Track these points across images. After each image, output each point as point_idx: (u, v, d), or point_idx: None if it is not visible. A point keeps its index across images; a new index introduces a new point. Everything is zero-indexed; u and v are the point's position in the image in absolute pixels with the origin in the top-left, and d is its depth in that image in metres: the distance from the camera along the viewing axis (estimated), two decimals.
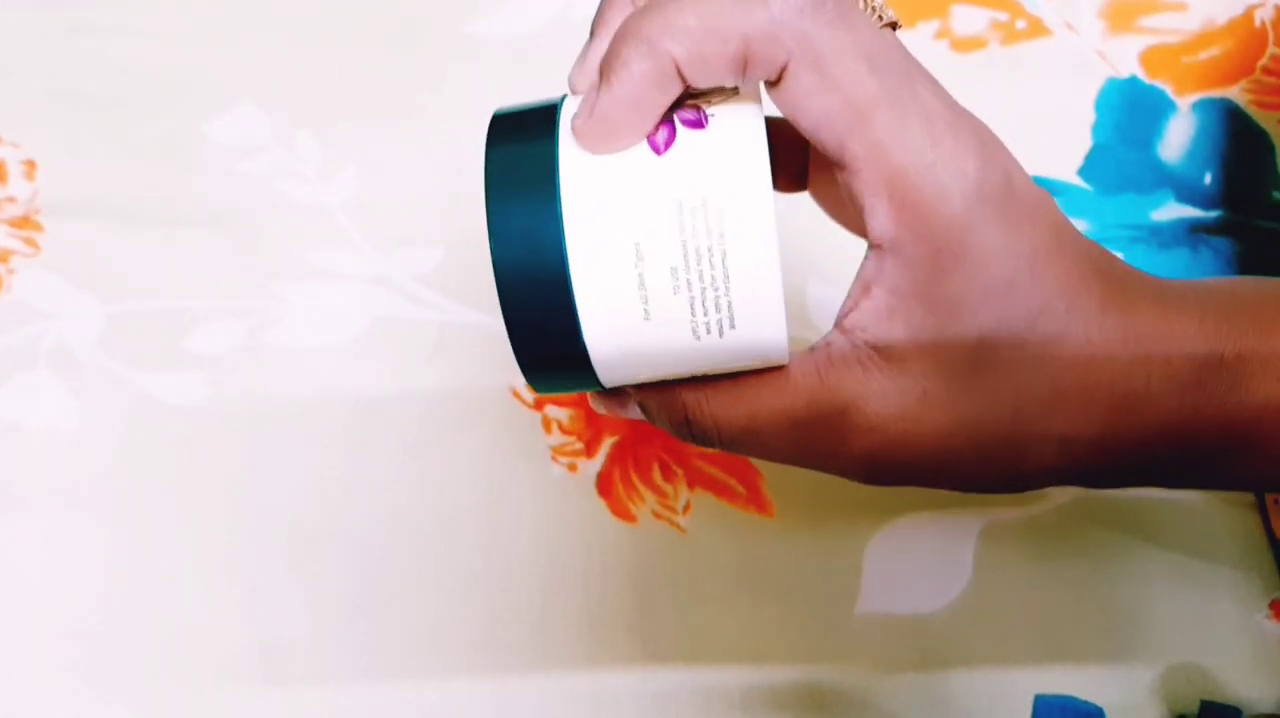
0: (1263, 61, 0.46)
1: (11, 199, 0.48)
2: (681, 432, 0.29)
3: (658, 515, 0.43)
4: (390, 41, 0.51)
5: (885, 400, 0.26)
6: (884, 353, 0.26)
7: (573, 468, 0.44)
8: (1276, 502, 0.42)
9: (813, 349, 0.27)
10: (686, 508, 0.43)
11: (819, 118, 0.25)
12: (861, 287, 0.26)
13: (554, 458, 0.45)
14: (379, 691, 0.41)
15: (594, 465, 0.44)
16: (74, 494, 0.44)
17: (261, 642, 0.42)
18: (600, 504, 0.44)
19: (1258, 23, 0.47)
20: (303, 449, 0.45)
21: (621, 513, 0.43)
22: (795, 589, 0.42)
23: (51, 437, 0.45)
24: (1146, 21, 0.47)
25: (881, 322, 0.26)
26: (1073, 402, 0.27)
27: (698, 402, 0.28)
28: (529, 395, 0.45)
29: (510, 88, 0.50)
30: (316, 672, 0.42)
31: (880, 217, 0.25)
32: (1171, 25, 0.47)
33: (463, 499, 0.44)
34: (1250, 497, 0.43)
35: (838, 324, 0.27)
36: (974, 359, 0.26)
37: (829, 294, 0.45)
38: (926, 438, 0.27)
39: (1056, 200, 0.46)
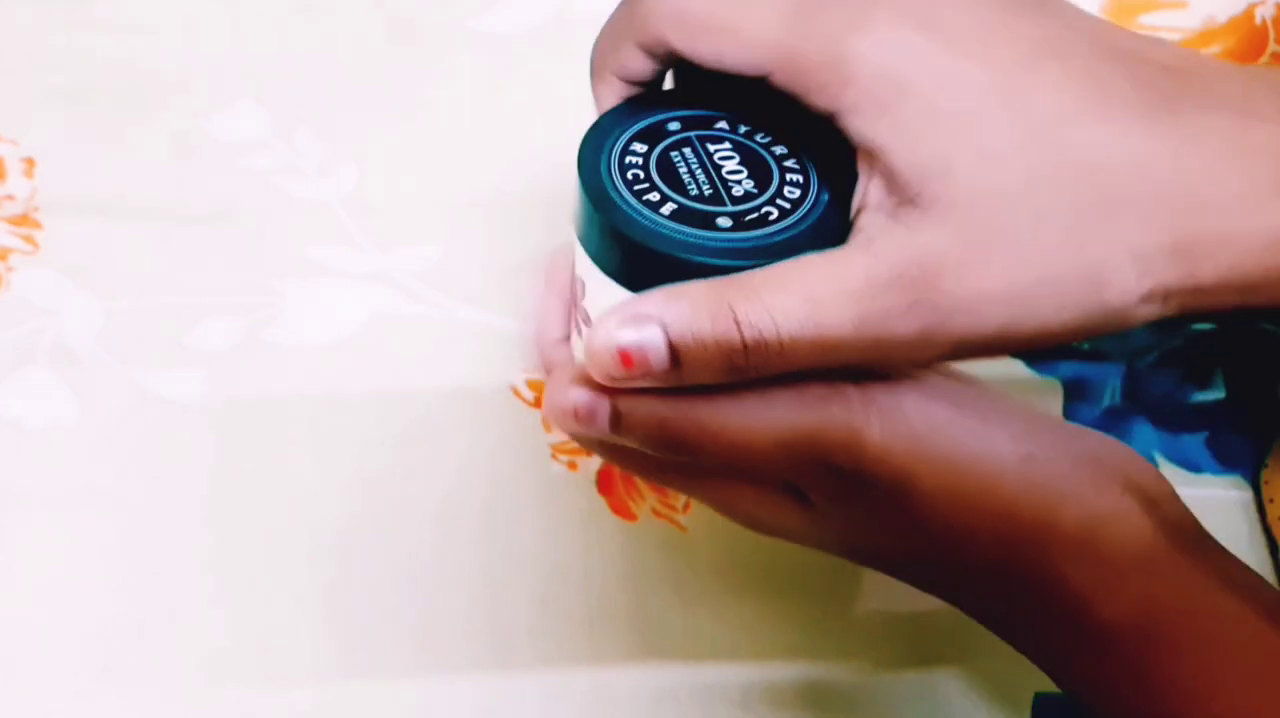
0: (1263, 60, 0.46)
1: (10, 197, 0.48)
2: (729, 350, 0.26)
3: (658, 513, 0.43)
4: (391, 38, 0.51)
5: (938, 248, 0.25)
6: (918, 201, 0.25)
7: (573, 466, 0.44)
8: (1273, 500, 0.42)
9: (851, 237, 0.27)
10: (687, 506, 0.43)
11: None
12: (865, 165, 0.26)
13: (554, 456, 0.45)
14: (377, 689, 0.41)
15: (594, 463, 0.44)
16: (73, 491, 0.44)
17: (259, 639, 0.42)
18: (600, 502, 0.44)
19: (1258, 20, 0.47)
20: (301, 446, 0.45)
21: (621, 511, 0.43)
22: (796, 587, 0.42)
23: (51, 434, 0.45)
24: (1147, 19, 0.47)
25: (906, 180, 0.26)
26: (1131, 207, 0.25)
27: (746, 295, 0.26)
28: (529, 393, 0.45)
29: (511, 84, 0.50)
30: (313, 670, 0.42)
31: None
32: (1172, 23, 0.47)
33: (462, 497, 0.44)
34: (1249, 495, 0.43)
35: (859, 210, 0.27)
36: (1008, 188, 0.25)
37: None
38: (996, 278, 0.25)
39: None
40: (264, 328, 0.47)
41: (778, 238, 0.27)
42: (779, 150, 0.29)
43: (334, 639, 0.42)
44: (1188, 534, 0.29)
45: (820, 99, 0.26)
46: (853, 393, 0.28)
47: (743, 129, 0.30)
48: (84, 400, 0.46)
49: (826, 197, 0.28)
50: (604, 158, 0.29)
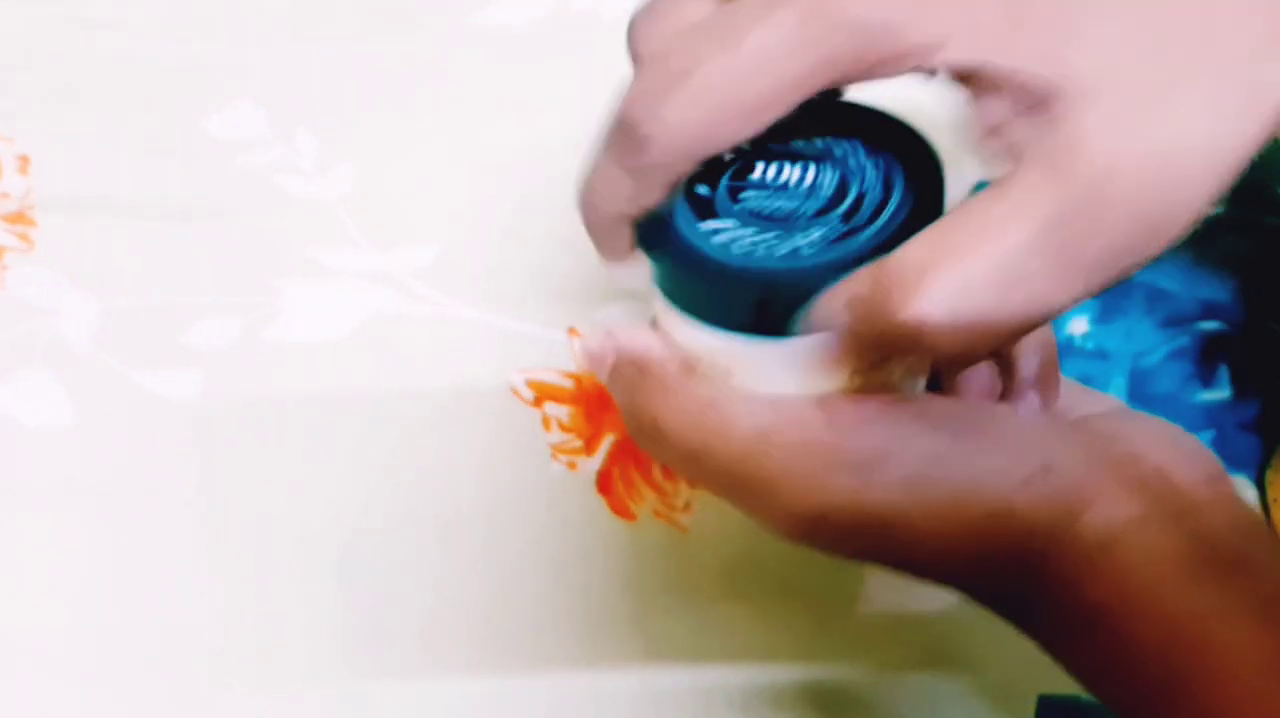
0: None
1: (5, 195, 0.48)
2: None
3: (658, 514, 0.43)
4: (388, 35, 0.51)
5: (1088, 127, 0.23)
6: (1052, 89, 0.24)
7: (572, 466, 0.44)
8: (1277, 501, 0.42)
9: None
10: (687, 507, 0.43)
11: None
12: None
13: (554, 456, 0.44)
14: (376, 690, 0.41)
15: (594, 463, 0.44)
16: (70, 490, 0.44)
17: (257, 640, 0.42)
18: (600, 502, 0.44)
19: None
20: (299, 445, 0.45)
21: (621, 511, 0.43)
22: (797, 588, 0.42)
23: (48, 433, 0.45)
24: None
25: None
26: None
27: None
28: (528, 393, 0.45)
29: (509, 81, 0.50)
30: (312, 671, 0.42)
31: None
32: None
33: (461, 497, 0.44)
34: (1254, 495, 0.43)
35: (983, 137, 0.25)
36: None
37: None
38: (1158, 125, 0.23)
39: None
40: (262, 327, 0.47)
41: (869, 244, 0.26)
42: (847, 155, 0.28)
43: (332, 639, 0.42)
44: (1220, 551, 0.26)
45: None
46: (825, 433, 0.27)
47: (798, 142, 0.28)
48: (81, 400, 0.46)
49: (909, 195, 0.27)
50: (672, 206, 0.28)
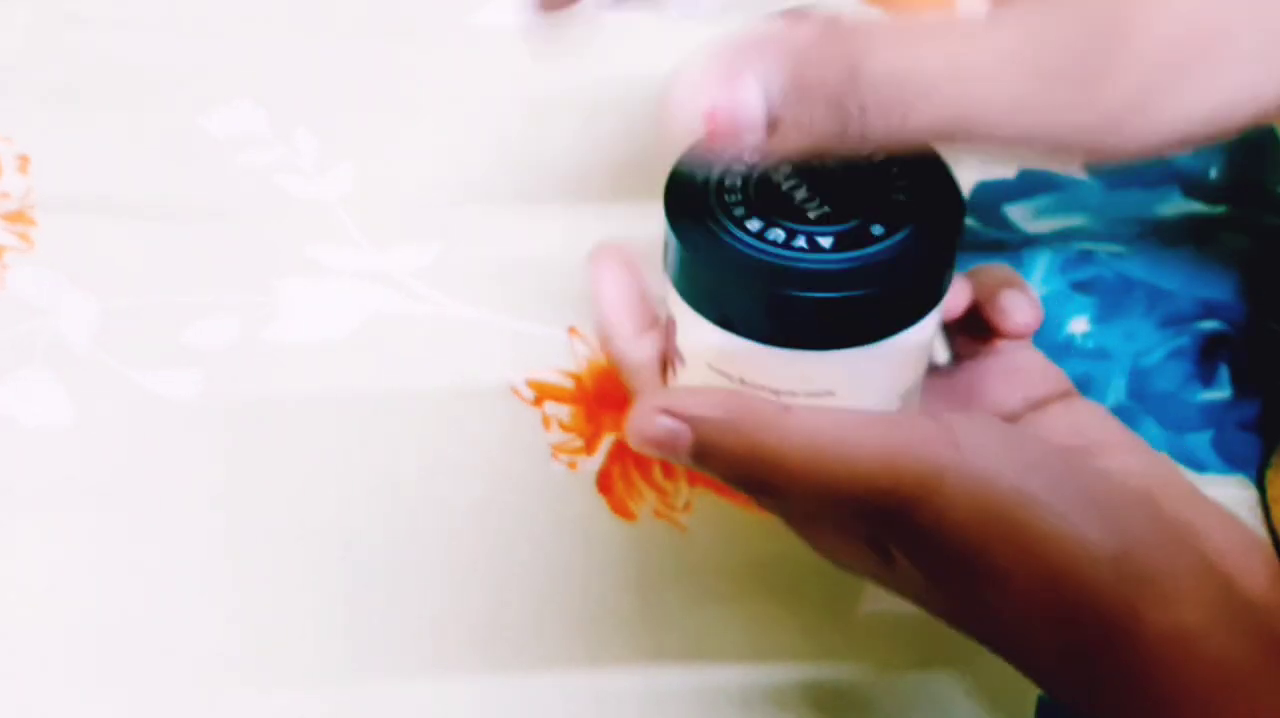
0: None
1: (5, 194, 0.48)
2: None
3: (658, 513, 0.43)
4: (387, 35, 0.51)
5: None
6: None
7: (573, 466, 0.44)
8: (1277, 500, 0.42)
9: None
10: (687, 506, 0.43)
11: None
12: None
13: (554, 455, 0.44)
14: (377, 689, 0.41)
15: (594, 463, 0.44)
16: (70, 490, 0.44)
17: (258, 639, 0.42)
18: (600, 502, 0.44)
19: None
20: (299, 445, 0.45)
21: (622, 511, 0.43)
22: (798, 588, 0.42)
23: (47, 433, 0.45)
24: None
25: None
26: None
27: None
28: (528, 393, 0.45)
29: (508, 81, 0.50)
30: (313, 670, 0.42)
31: None
32: None
33: (461, 497, 0.44)
34: (1255, 495, 0.43)
35: None
36: None
37: None
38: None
39: (1060, 196, 0.46)
40: (261, 327, 0.47)
41: (881, 256, 0.27)
42: (878, 167, 0.29)
43: (332, 638, 0.42)
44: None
45: None
46: (943, 454, 0.27)
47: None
48: (80, 399, 0.46)
49: (925, 219, 0.27)
50: (695, 194, 0.28)
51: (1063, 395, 0.32)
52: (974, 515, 0.27)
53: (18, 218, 0.48)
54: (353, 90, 0.51)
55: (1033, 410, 0.32)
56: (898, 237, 0.27)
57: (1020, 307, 0.31)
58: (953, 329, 0.34)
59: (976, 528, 0.27)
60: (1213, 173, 0.45)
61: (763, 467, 0.27)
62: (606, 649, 0.41)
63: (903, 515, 0.27)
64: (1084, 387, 0.44)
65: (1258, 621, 0.27)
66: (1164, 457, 0.32)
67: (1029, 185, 0.45)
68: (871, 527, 0.29)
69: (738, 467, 0.27)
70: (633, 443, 0.28)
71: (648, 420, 0.27)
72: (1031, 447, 0.28)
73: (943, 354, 0.34)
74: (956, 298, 0.32)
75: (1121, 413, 0.43)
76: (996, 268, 0.32)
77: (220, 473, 0.45)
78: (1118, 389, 0.44)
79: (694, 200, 0.28)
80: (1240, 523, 0.30)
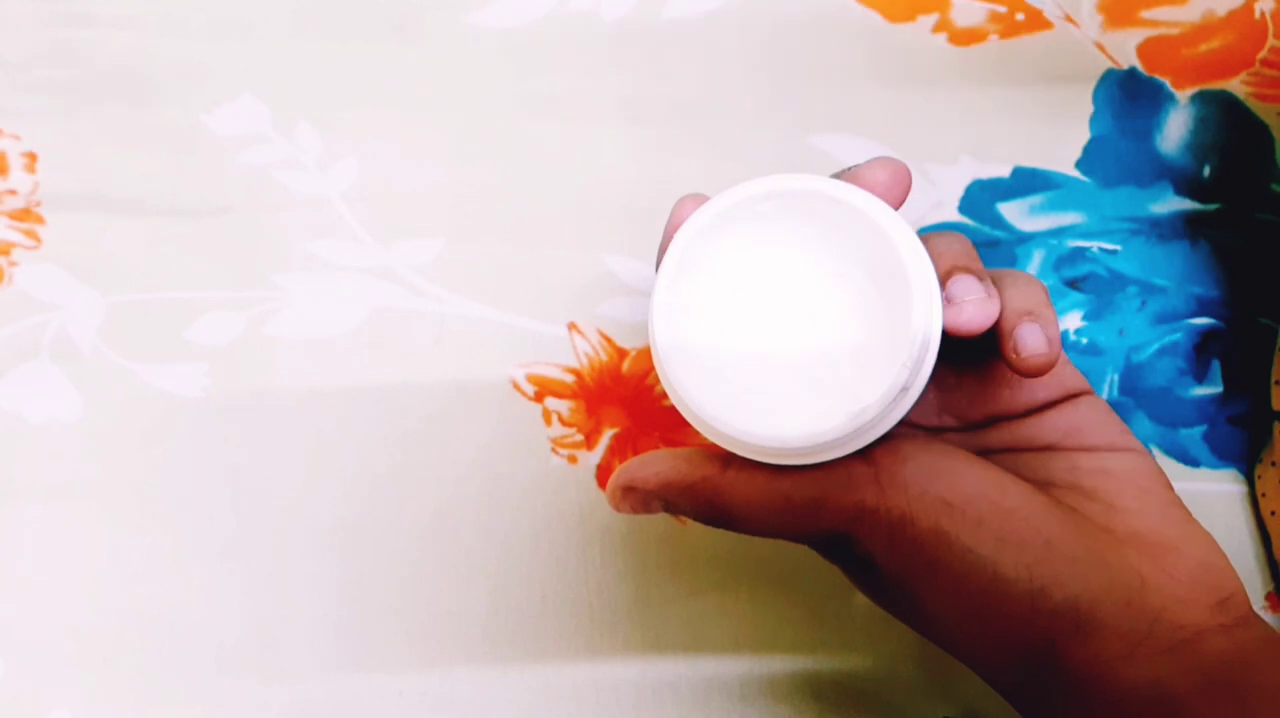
0: (1262, 54, 0.46)
1: (12, 192, 0.48)
2: None
3: None
4: (391, 32, 0.51)
5: None
6: None
7: (573, 460, 0.44)
8: (1265, 494, 0.42)
9: None
10: None
11: None
12: None
13: (554, 450, 0.45)
14: (378, 682, 0.41)
15: (594, 457, 0.44)
16: (75, 485, 0.45)
17: (261, 632, 0.42)
18: (600, 496, 0.44)
19: (1257, 15, 0.47)
20: (302, 440, 0.45)
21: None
22: (796, 579, 0.42)
23: (53, 428, 0.45)
24: (1146, 14, 0.47)
25: None
26: None
27: None
28: (529, 387, 0.46)
29: (510, 78, 0.50)
30: (315, 663, 0.42)
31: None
32: (1171, 18, 0.47)
33: (462, 491, 0.44)
34: (1243, 487, 0.43)
35: None
36: None
37: None
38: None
39: (1054, 194, 0.46)
40: (265, 322, 0.47)
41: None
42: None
43: (335, 632, 0.42)
44: (1216, 679, 0.28)
45: None
46: (867, 496, 0.29)
47: None
48: (86, 395, 0.46)
49: None
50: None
51: (1070, 395, 0.33)
52: (894, 554, 0.29)
53: (25, 215, 0.48)
54: (355, 87, 0.51)
55: (1036, 410, 0.33)
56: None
57: (1034, 346, 0.30)
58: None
59: (899, 564, 0.29)
60: (1206, 170, 0.45)
61: (717, 513, 0.31)
62: (606, 641, 0.42)
63: (842, 548, 0.31)
64: None
65: (1188, 649, 0.28)
66: (1153, 464, 0.32)
67: (1023, 183, 0.45)
68: (824, 554, 0.33)
69: (700, 514, 0.31)
70: (615, 510, 0.34)
71: (617, 499, 0.34)
72: (962, 484, 0.29)
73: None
74: (982, 311, 0.30)
75: (1114, 409, 0.44)
76: (1024, 283, 0.31)
77: (224, 467, 0.45)
78: (1110, 385, 0.44)
79: None
80: (1209, 541, 0.30)
